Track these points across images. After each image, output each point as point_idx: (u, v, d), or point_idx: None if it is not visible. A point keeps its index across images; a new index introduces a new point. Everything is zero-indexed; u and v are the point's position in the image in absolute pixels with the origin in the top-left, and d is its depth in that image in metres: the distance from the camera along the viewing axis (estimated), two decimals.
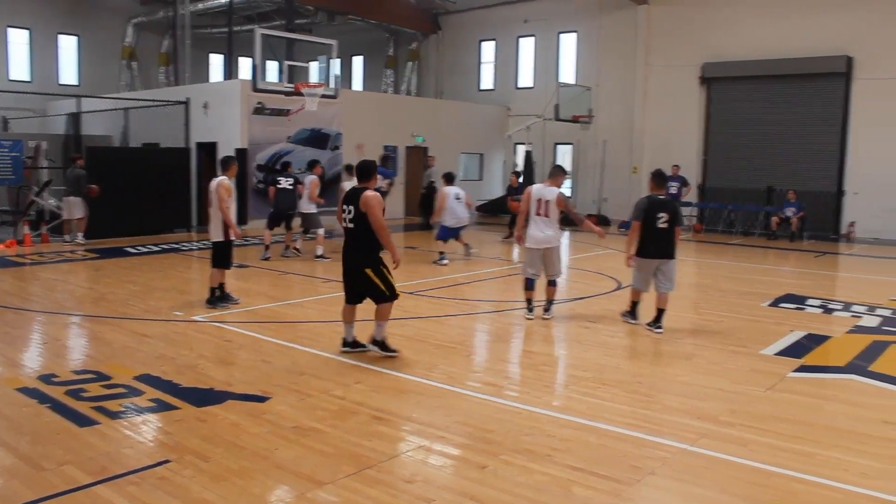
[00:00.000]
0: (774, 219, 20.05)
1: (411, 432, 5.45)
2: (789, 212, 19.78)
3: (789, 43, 20.54)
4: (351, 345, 7.59)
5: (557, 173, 9.52)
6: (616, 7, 23.87)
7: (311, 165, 14.90)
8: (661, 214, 8.69)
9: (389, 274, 7.39)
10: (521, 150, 25.53)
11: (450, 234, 14.38)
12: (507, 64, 27.36)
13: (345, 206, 7.32)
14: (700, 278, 13.31)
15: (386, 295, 7.33)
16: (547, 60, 26.10)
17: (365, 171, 7.40)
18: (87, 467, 4.67)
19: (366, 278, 7.30)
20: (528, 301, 9.51)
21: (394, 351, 7.44)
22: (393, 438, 5.35)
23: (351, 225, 7.27)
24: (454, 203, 14.19)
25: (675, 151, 22.54)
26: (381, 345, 7.44)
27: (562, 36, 25.83)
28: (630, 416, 5.81)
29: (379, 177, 11.69)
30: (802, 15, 20.45)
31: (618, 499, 4.39)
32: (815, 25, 20.24)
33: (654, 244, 8.74)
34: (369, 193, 7.17)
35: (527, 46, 26.83)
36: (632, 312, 9.17)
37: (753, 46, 21.14)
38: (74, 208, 15.90)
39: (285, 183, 14.34)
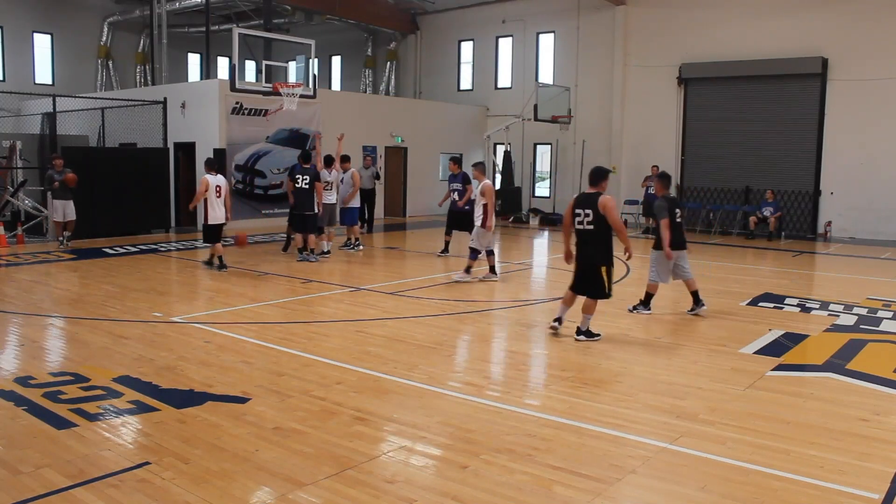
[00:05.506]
0: (752, 218, 20.23)
1: (392, 433, 5.45)
2: (767, 211, 19.97)
3: (766, 44, 20.75)
4: (559, 321, 8.53)
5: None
6: (594, 8, 23.97)
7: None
8: (677, 210, 9.76)
9: (612, 276, 8.22)
10: (500, 150, 25.58)
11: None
12: (485, 64, 27.39)
13: (579, 210, 8.12)
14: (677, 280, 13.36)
15: (604, 293, 8.19)
16: (525, 61, 26.15)
17: (597, 176, 8.23)
18: (65, 470, 4.63)
19: (597, 274, 8.14)
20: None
21: (598, 335, 8.33)
22: (374, 439, 5.34)
23: (590, 227, 8.07)
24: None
25: (654, 151, 22.70)
26: (587, 333, 8.32)
27: (540, 36, 25.90)
28: (610, 415, 5.83)
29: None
30: (778, 16, 20.67)
31: (599, 498, 4.41)
32: (791, 27, 20.46)
33: (677, 238, 9.62)
34: (606, 197, 8.05)
35: (505, 47, 26.88)
36: (646, 304, 9.84)
37: (730, 47, 21.32)
38: (68, 210, 15.45)
39: (302, 182, 13.74)
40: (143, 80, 28.67)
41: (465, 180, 14.04)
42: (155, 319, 9.04)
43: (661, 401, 6.22)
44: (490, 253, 12.26)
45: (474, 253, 12.08)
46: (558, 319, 8.54)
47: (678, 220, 9.77)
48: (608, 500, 4.39)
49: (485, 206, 11.94)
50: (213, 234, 12.82)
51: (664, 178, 10.04)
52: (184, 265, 14.06)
